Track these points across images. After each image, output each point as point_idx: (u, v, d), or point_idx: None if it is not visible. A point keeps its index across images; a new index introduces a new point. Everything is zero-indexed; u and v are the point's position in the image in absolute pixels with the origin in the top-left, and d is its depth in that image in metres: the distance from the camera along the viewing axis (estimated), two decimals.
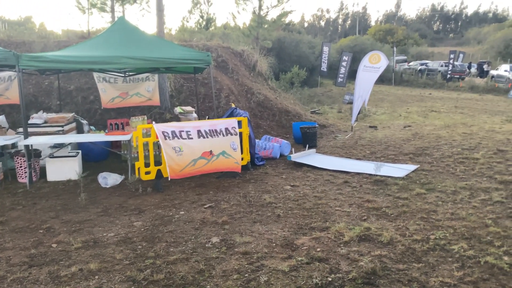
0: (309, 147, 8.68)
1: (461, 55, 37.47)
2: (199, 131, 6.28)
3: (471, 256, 3.62)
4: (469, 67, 36.28)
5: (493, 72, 32.01)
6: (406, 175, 6.52)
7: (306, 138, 9.26)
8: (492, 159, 7.37)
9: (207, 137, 6.32)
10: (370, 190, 5.84)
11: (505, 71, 29.96)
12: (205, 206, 5.37)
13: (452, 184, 5.95)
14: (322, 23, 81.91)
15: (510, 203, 5.05)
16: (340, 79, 23.32)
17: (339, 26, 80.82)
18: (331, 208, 5.12)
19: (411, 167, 7.01)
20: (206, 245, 4.13)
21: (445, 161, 7.40)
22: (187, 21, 27.56)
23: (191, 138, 6.18)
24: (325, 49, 24.31)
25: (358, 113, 12.48)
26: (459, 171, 6.70)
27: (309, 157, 8.05)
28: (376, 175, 6.57)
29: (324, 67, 24.32)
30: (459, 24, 79.99)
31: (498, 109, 17.23)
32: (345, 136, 10.60)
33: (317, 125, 9.85)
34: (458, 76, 31.40)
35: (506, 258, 3.57)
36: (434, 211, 4.86)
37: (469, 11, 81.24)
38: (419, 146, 8.75)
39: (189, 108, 9.46)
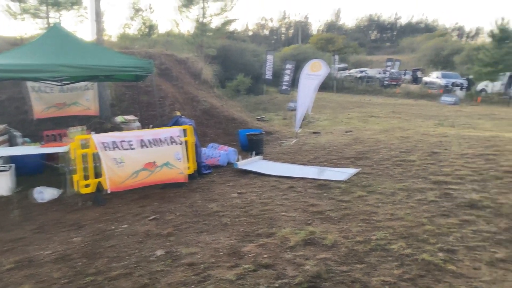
0: (256, 154, 8.74)
1: (397, 63, 39.61)
2: (141, 141, 6.11)
3: (409, 254, 3.80)
4: (404, 74, 38.42)
5: (425, 78, 34.16)
6: (348, 179, 6.74)
7: (253, 145, 9.32)
8: (426, 161, 7.81)
9: (150, 147, 6.16)
10: (314, 194, 5.97)
11: (437, 77, 32.12)
12: (149, 218, 5.22)
13: (391, 185, 6.23)
14: (266, 32, 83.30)
15: (443, 202, 5.37)
16: (284, 87, 23.77)
17: (282, 35, 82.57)
18: (277, 213, 5.17)
19: (353, 170, 7.27)
20: (150, 258, 4.00)
21: (384, 164, 7.74)
22: (129, 28, 26.87)
23: (133, 149, 5.99)
24: (269, 57, 24.70)
25: (303, 120, 12.77)
26: (397, 173, 7.03)
27: (255, 163, 8.10)
28: (320, 180, 6.74)
29: (269, 75, 24.68)
30: (395, 33, 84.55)
31: (431, 114, 18.37)
32: (290, 142, 10.79)
33: (263, 132, 9.95)
34: (395, 83, 33.16)
35: (440, 254, 3.78)
36: (375, 213, 5.06)
37: (403, 21, 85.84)
38: (359, 150, 9.10)
39: (131, 117, 9.20)
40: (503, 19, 28.29)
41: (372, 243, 4.09)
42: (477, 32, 72.17)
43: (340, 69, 38.37)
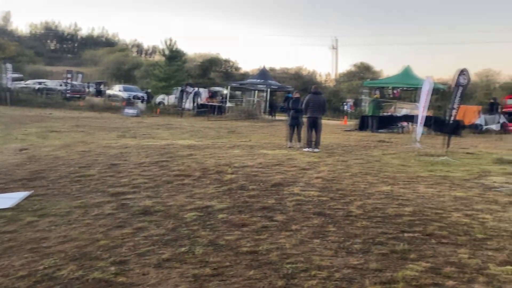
0: None
1: (79, 75, 38.69)
2: None
3: (79, 277, 3.57)
4: (88, 87, 38.03)
5: (109, 91, 34.93)
6: (16, 204, 5.88)
7: None
8: (106, 174, 7.81)
9: None
10: None
11: (119, 91, 33.38)
12: None
13: (67, 205, 5.84)
14: None
15: (119, 213, 5.43)
16: None
17: None
18: None
19: (23, 194, 6.40)
20: None
21: (62, 182, 7.23)
22: None
23: None
24: None
25: None
26: (75, 190, 6.68)
27: None
28: None
29: None
30: (76, 45, 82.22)
31: (115, 126, 18.80)
32: None
33: None
34: (78, 96, 32.27)
35: (112, 268, 3.74)
36: (45, 238, 4.57)
37: (84, 33, 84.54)
38: (34, 170, 8.19)
39: None
40: (171, 40, 32.26)
41: (39, 274, 3.64)
42: (154, 50, 79.50)
43: (14, 80, 34.09)
